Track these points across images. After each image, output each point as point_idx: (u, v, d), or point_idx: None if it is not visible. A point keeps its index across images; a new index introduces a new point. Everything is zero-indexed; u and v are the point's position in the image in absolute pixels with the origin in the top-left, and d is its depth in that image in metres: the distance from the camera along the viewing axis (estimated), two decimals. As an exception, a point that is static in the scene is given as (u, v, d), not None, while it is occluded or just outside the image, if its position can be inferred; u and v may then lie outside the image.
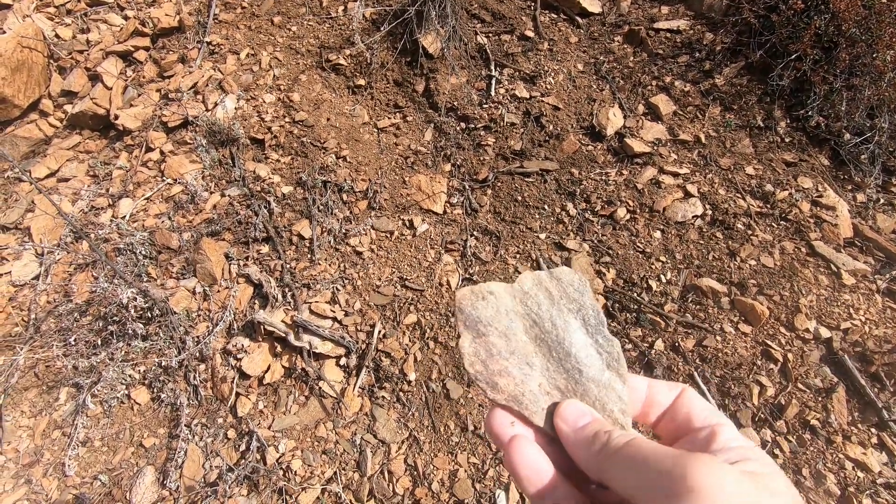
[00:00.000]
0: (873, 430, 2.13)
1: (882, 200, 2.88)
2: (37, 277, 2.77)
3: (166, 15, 3.55)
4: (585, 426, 0.48)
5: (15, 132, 3.29)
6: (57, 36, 3.53)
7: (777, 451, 2.13)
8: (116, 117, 3.22)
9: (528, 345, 0.55)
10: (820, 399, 2.22)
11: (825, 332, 2.36)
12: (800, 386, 2.25)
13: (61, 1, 3.68)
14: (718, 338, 2.40)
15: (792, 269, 2.55)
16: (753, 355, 2.35)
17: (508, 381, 0.52)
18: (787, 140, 3.01)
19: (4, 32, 3.34)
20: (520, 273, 2.66)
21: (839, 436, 2.12)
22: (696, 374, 2.33)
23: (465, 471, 2.19)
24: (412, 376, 2.42)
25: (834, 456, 2.09)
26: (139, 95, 3.34)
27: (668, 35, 3.41)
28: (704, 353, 2.37)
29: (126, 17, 3.63)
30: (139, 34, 3.52)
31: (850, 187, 2.93)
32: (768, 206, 2.77)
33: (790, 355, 2.31)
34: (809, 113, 2.96)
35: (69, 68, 3.45)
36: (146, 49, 3.52)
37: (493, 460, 2.22)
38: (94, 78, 3.40)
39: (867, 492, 1.99)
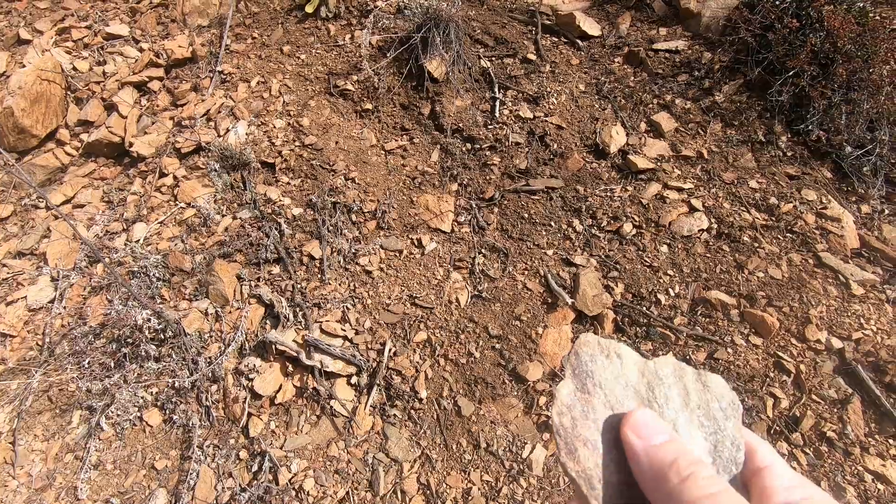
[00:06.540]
0: (891, 441, 2.11)
1: (887, 211, 2.90)
2: (52, 301, 2.81)
3: (179, 46, 3.68)
4: (662, 445, 0.39)
5: (32, 161, 3.38)
6: (74, 68, 3.65)
7: (794, 465, 2.10)
8: (131, 145, 3.31)
9: None
10: (835, 410, 2.20)
11: (837, 343, 2.35)
12: (814, 397, 2.23)
13: (79, 35, 3.83)
14: (730, 350, 2.40)
15: (800, 281, 2.55)
16: (766, 367, 2.34)
17: (590, 454, 0.43)
18: (788, 154, 3.05)
19: (24, 66, 3.46)
20: (528, 290, 2.69)
21: (857, 447, 2.10)
22: (708, 387, 2.31)
23: (479, 489, 2.17)
24: (423, 394, 2.42)
25: (853, 468, 2.06)
26: (153, 123, 3.43)
27: (667, 55, 3.50)
28: (716, 366, 2.36)
29: (141, 50, 3.76)
30: (153, 65, 3.64)
31: (853, 199, 2.95)
32: (773, 218, 2.79)
33: (803, 366, 2.30)
34: (810, 127, 3.01)
35: (86, 99, 3.57)
36: (160, 79, 3.64)
37: (507, 478, 2.20)
38: (110, 108, 3.51)
39: (889, 504, 1.96)
